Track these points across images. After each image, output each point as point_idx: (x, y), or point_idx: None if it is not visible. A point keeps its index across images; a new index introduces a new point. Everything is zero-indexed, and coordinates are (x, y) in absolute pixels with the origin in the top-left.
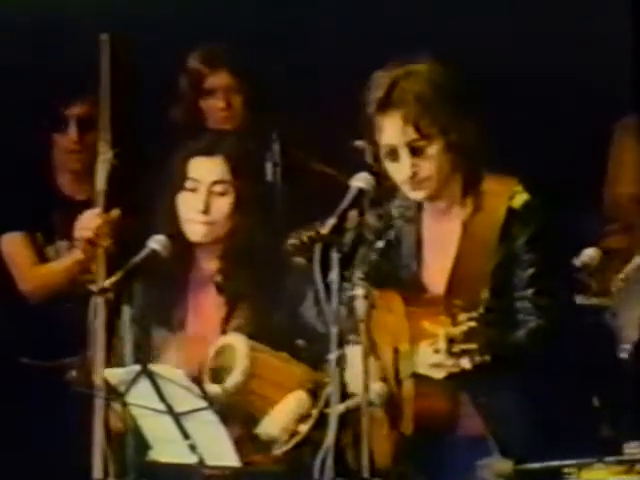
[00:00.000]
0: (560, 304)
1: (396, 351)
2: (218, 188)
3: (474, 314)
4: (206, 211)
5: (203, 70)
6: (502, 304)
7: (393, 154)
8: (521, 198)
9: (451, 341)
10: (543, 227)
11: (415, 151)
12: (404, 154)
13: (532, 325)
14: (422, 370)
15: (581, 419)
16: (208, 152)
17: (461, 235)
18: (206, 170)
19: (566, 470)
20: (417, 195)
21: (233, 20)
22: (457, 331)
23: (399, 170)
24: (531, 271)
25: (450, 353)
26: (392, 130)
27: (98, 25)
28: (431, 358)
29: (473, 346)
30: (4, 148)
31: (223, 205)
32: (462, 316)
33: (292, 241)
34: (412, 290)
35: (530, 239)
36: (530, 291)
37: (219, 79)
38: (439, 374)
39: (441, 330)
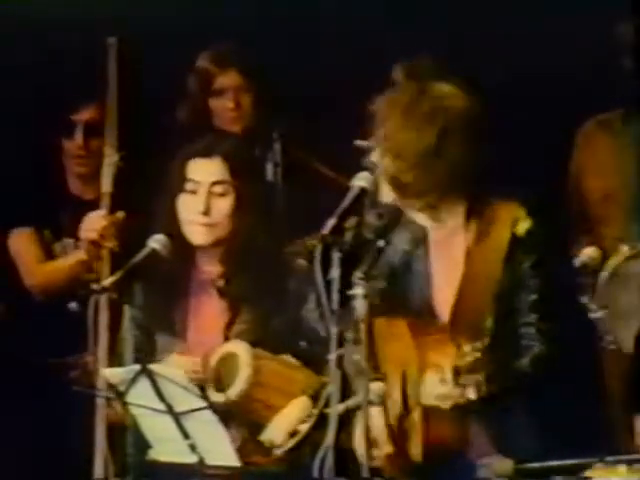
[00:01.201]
0: (563, 328)
1: (404, 377)
2: (218, 189)
3: (479, 345)
4: (206, 212)
5: (212, 70)
6: (506, 331)
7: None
8: (524, 225)
9: (457, 372)
10: (546, 253)
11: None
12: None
13: (536, 351)
14: (429, 401)
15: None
16: (206, 153)
17: (465, 262)
18: (205, 171)
19: (566, 470)
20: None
21: (239, 20)
22: (462, 362)
23: None
24: (534, 297)
25: (456, 384)
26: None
27: (104, 27)
28: (438, 389)
29: (479, 377)
30: (14, 148)
31: (223, 206)
32: (467, 347)
33: (296, 248)
34: (423, 317)
35: (534, 265)
36: (534, 317)
37: (228, 79)
38: (446, 404)
39: (447, 361)
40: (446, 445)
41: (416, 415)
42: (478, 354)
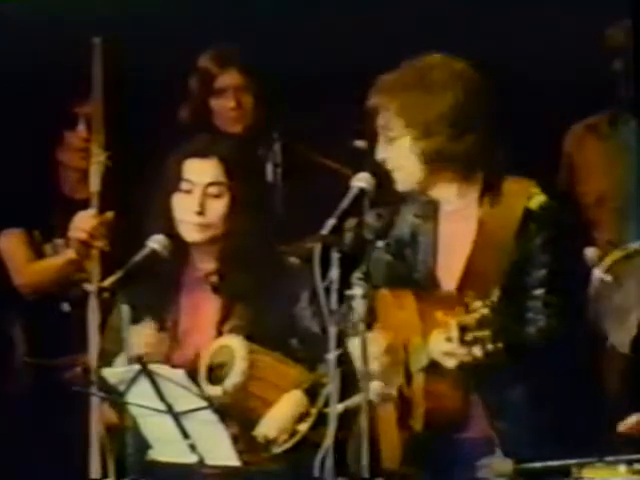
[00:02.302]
0: (571, 304)
1: (406, 347)
2: (213, 190)
3: (487, 302)
4: (201, 212)
5: (213, 69)
6: (513, 303)
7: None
8: (538, 199)
9: (463, 329)
10: (559, 229)
11: (385, 139)
12: (380, 137)
13: (541, 324)
14: (435, 357)
15: (584, 418)
16: (203, 153)
17: (477, 232)
18: (201, 172)
19: (566, 470)
20: (397, 186)
21: (239, 20)
22: (470, 319)
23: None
24: (544, 271)
25: (462, 341)
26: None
27: (102, 26)
28: (443, 346)
29: (486, 333)
30: (6, 147)
31: (218, 207)
32: (475, 304)
33: (292, 249)
34: (427, 288)
35: (546, 240)
36: (542, 291)
37: (229, 78)
38: (451, 363)
39: (454, 320)
40: (447, 415)
41: (417, 384)
42: (486, 310)
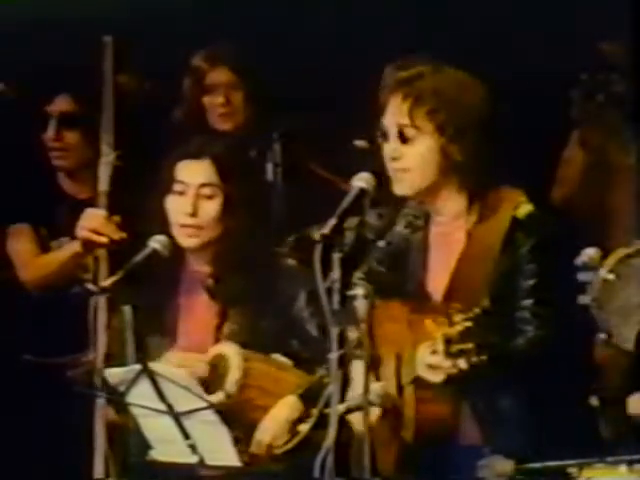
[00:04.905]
0: (560, 314)
1: (398, 359)
2: (206, 191)
3: (470, 314)
4: (194, 214)
5: (204, 67)
6: (501, 313)
7: (384, 135)
8: (525, 208)
9: (448, 342)
10: (546, 238)
11: (403, 137)
12: (392, 134)
13: (530, 335)
14: (421, 372)
15: (581, 420)
16: (195, 155)
17: (465, 243)
18: (193, 173)
19: (566, 470)
20: (399, 189)
21: (239, 20)
22: (453, 331)
23: (385, 150)
24: (532, 282)
25: (447, 354)
26: (391, 110)
27: (99, 26)
28: (429, 359)
29: (469, 346)
30: (13, 145)
31: (211, 208)
32: (458, 316)
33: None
34: (418, 299)
35: (533, 249)
36: (530, 301)
37: (219, 75)
38: (437, 376)
39: (439, 332)
40: (438, 426)
41: (408, 394)
42: (469, 323)
